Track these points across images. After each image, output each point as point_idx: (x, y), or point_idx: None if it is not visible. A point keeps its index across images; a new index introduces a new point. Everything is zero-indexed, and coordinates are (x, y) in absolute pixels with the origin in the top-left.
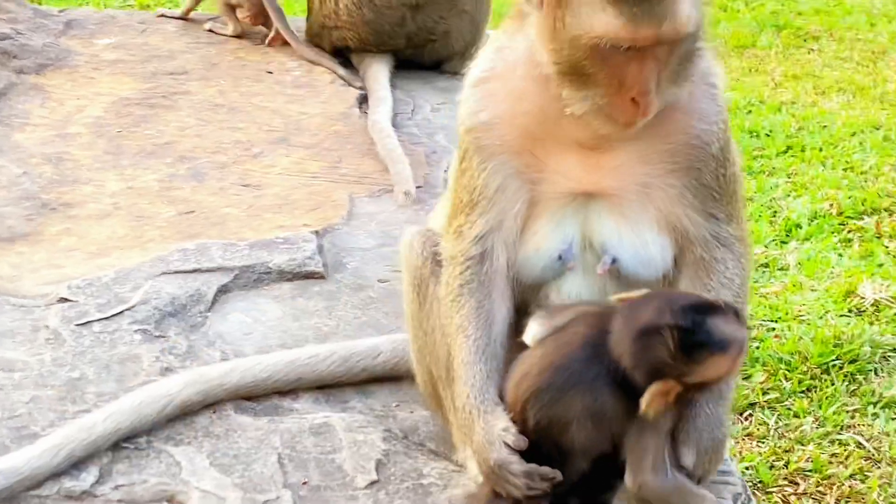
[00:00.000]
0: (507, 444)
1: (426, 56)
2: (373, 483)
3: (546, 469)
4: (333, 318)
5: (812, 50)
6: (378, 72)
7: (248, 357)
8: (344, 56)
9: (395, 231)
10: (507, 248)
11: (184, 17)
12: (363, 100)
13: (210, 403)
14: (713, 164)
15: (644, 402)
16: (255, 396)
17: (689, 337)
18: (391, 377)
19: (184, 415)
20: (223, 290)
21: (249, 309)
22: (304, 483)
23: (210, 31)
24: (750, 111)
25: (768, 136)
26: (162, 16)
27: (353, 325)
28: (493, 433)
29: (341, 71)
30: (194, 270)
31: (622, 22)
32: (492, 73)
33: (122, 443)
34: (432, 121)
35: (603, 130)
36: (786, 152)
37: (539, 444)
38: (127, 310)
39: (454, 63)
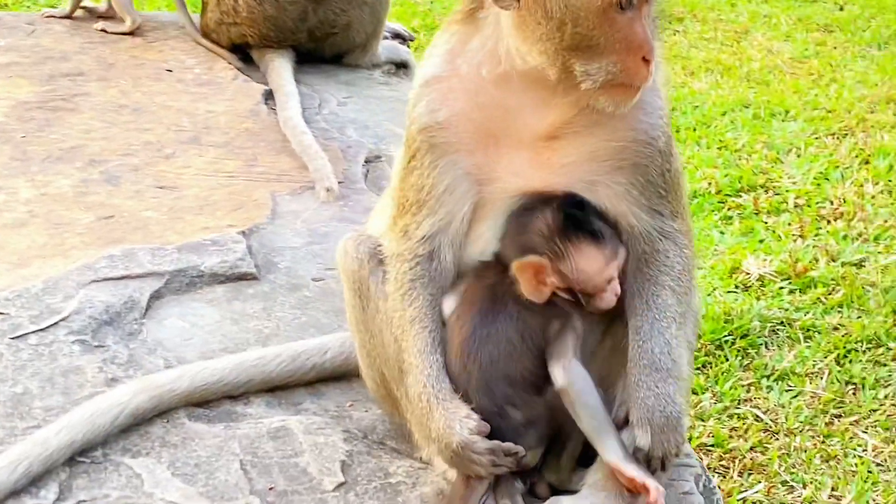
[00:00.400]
0: (468, 428)
1: (327, 49)
2: (340, 485)
3: (508, 444)
4: (272, 320)
5: (677, 31)
6: (281, 67)
7: (196, 362)
8: (242, 52)
9: (321, 228)
10: (453, 248)
11: (69, 16)
12: (268, 96)
13: (162, 411)
14: (659, 160)
15: (516, 279)
16: (206, 402)
17: (568, 213)
18: (340, 375)
19: (136, 425)
20: (156, 296)
21: (185, 314)
22: (271, 489)
23: (103, 30)
24: None
25: None
26: (50, 16)
27: (294, 326)
28: (454, 417)
29: (238, 64)
30: (124, 277)
31: None
32: (447, 72)
33: (78, 457)
34: (340, 115)
35: (612, 105)
36: None
37: (485, 409)
38: (62, 320)
39: (355, 55)
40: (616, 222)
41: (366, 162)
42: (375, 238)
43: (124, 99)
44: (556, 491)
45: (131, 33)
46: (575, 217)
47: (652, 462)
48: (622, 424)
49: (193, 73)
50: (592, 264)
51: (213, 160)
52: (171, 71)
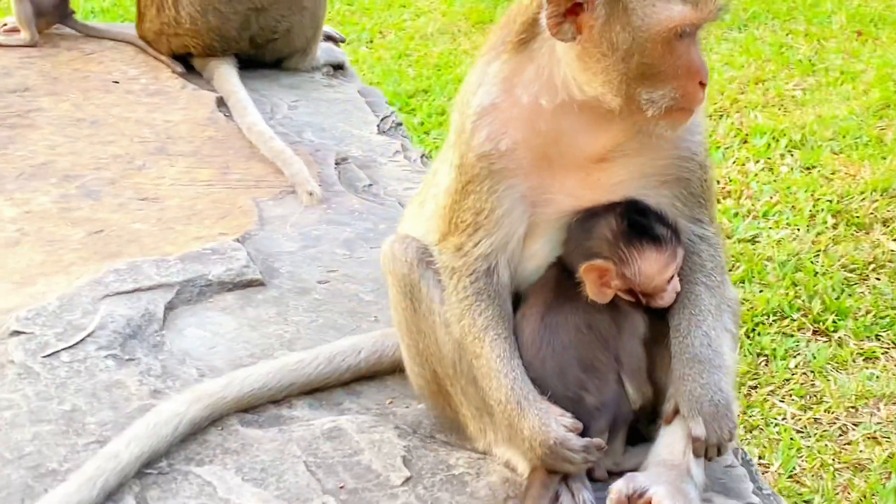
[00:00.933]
0: (564, 426)
1: (268, 55)
2: (408, 479)
3: (598, 440)
4: (290, 324)
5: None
6: (228, 74)
7: (242, 369)
8: (183, 61)
9: (312, 232)
10: (510, 266)
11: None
12: (220, 103)
13: (215, 419)
14: (699, 173)
15: (583, 281)
16: (253, 408)
17: (632, 220)
18: (373, 374)
19: (192, 434)
20: (169, 307)
21: (203, 323)
22: (342, 487)
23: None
24: None
25: None
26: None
27: (313, 329)
28: (549, 416)
29: (180, 69)
30: (135, 290)
31: (690, 6)
32: (505, 101)
33: (144, 469)
34: (294, 119)
35: (671, 129)
36: None
37: (559, 396)
38: (88, 336)
39: (295, 59)
40: (675, 223)
41: (336, 164)
42: (420, 241)
43: (79, 112)
44: (612, 473)
45: (33, 45)
46: (638, 223)
47: (708, 450)
48: (671, 418)
49: (140, 84)
50: (654, 267)
51: (186, 169)
52: (117, 82)
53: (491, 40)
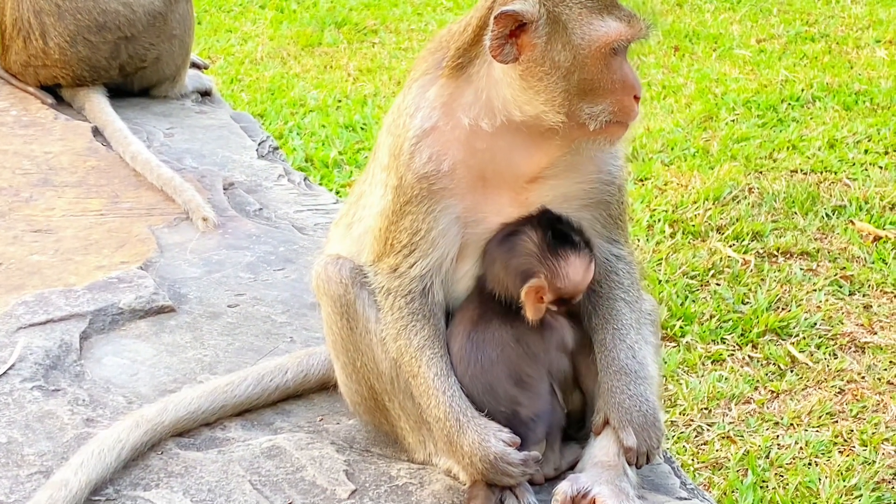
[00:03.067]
0: (503, 441)
1: (136, 83)
2: (353, 492)
3: (536, 453)
4: (208, 348)
5: (375, 43)
6: (101, 104)
7: (174, 394)
8: (52, 92)
9: (213, 257)
10: (444, 286)
11: None
12: (95, 132)
13: (154, 444)
14: (618, 196)
15: (523, 304)
16: (187, 431)
17: (551, 231)
18: (300, 394)
19: (133, 460)
20: (84, 337)
21: (120, 351)
22: (291, 503)
23: None
24: (338, 106)
25: (363, 129)
26: None
27: (231, 352)
28: (489, 432)
29: (50, 100)
30: (47, 321)
31: (624, 24)
32: (447, 124)
33: (92, 497)
34: (172, 146)
35: (608, 143)
36: None
37: (493, 411)
38: (10, 369)
39: (164, 87)
40: (580, 225)
41: (224, 189)
42: (353, 262)
43: None
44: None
45: None
46: (559, 232)
47: (639, 458)
48: (601, 429)
49: (12, 116)
50: (579, 272)
51: (75, 200)
52: None
53: (422, 66)
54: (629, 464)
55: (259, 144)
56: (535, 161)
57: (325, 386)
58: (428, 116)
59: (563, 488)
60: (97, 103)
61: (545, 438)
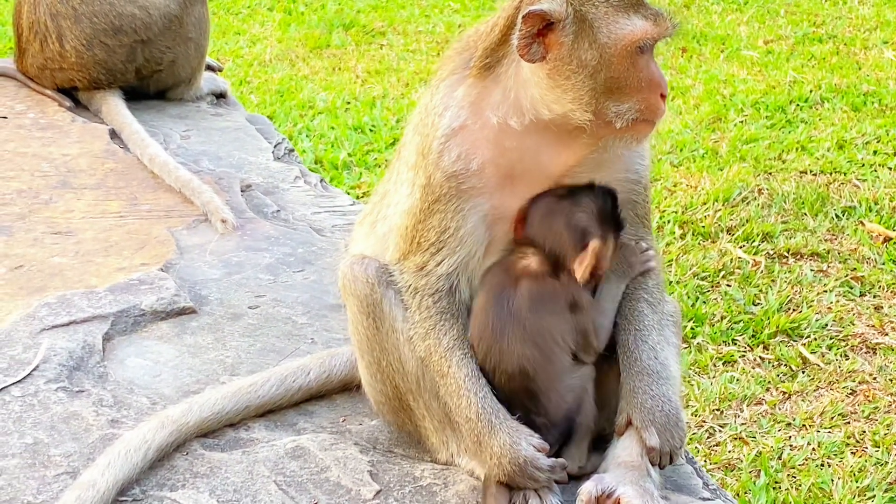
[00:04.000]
0: (534, 445)
1: (152, 86)
2: (378, 492)
3: (563, 460)
4: (229, 349)
5: (383, 45)
6: (118, 107)
7: (199, 394)
8: (69, 95)
9: (233, 259)
10: (470, 284)
11: None
12: (113, 135)
13: (178, 445)
14: (643, 195)
15: (579, 264)
16: (211, 432)
17: (608, 199)
18: (322, 394)
19: (159, 461)
20: (106, 338)
21: (142, 353)
22: (316, 503)
23: None
24: (347, 108)
25: (372, 131)
26: None
27: (253, 353)
28: (520, 435)
29: (68, 103)
30: (70, 323)
31: (650, 22)
32: (475, 122)
33: (118, 497)
34: (189, 148)
35: (635, 141)
36: (392, 145)
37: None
38: (34, 370)
39: (180, 90)
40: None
41: (242, 191)
42: (378, 261)
43: None
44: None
45: None
46: (615, 205)
47: (662, 458)
48: (624, 430)
49: (29, 118)
50: (616, 251)
51: (94, 202)
52: (6, 118)
53: (449, 66)
54: (652, 464)
55: (275, 147)
56: (563, 160)
57: (348, 387)
58: (457, 115)
59: (588, 488)
60: (114, 106)
61: (571, 436)
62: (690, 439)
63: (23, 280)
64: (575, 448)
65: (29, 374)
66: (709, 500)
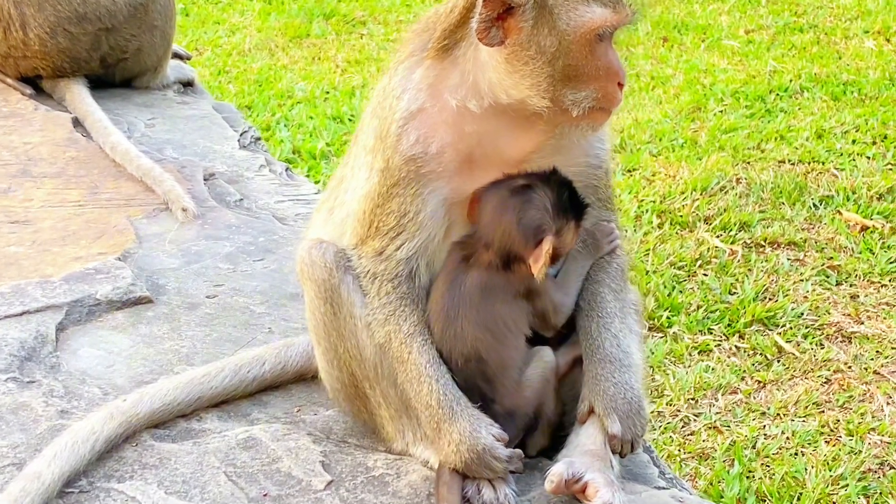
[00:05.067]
0: (493, 435)
1: (118, 74)
2: (329, 483)
3: (520, 451)
4: (185, 339)
5: (363, 35)
6: (81, 95)
7: (151, 385)
8: (33, 84)
9: (192, 248)
10: (429, 269)
11: None
12: (76, 123)
13: (128, 436)
14: (605, 179)
15: (534, 262)
16: (162, 423)
17: (567, 191)
18: (277, 385)
19: (108, 452)
20: (60, 328)
21: (96, 342)
22: (265, 495)
23: None
24: (326, 98)
25: (351, 120)
26: None
27: (209, 343)
28: (481, 424)
29: (29, 91)
30: (23, 313)
31: (610, 10)
32: (434, 105)
33: (65, 489)
34: (153, 136)
35: (591, 129)
36: None
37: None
38: None
39: (146, 78)
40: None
41: (205, 180)
42: (336, 246)
43: None
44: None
45: None
46: (571, 192)
47: (623, 446)
48: (586, 418)
49: None
50: (575, 236)
51: (54, 191)
52: None
53: (407, 48)
54: (613, 452)
55: (241, 135)
56: (521, 145)
57: (303, 377)
58: (415, 98)
59: (559, 470)
60: (77, 94)
61: (521, 434)
62: (664, 428)
63: None
64: (539, 436)
65: None
66: (664, 489)
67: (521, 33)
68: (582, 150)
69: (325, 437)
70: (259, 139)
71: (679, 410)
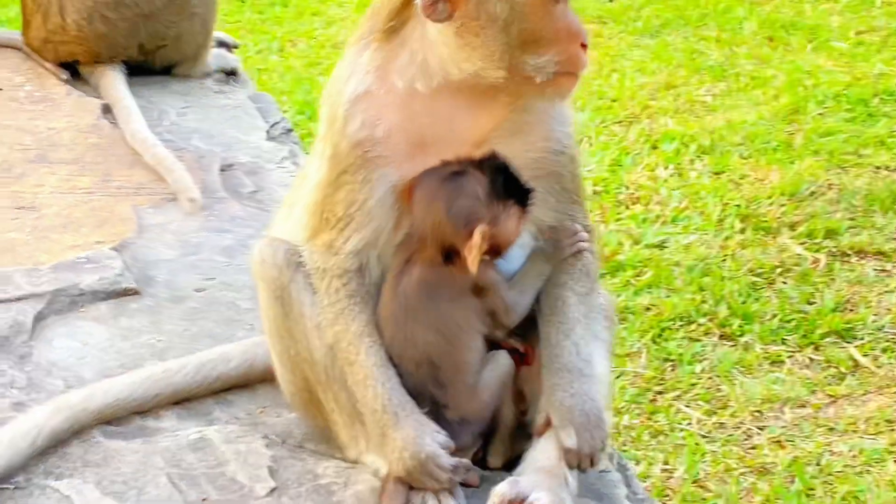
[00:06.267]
0: (438, 442)
1: (157, 62)
2: (273, 490)
3: (467, 461)
4: (163, 333)
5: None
6: (115, 81)
7: (105, 379)
8: (72, 69)
9: (192, 239)
10: (381, 262)
11: None
12: (106, 110)
13: (76, 431)
14: (570, 167)
15: (468, 253)
16: (118, 419)
17: (501, 176)
18: (244, 383)
19: (53, 447)
20: (39, 318)
21: (73, 333)
22: (204, 500)
23: None
24: None
25: None
26: None
27: (186, 338)
28: (425, 430)
29: (65, 76)
30: (3, 300)
31: None
32: (380, 88)
33: (0, 483)
34: (182, 125)
35: (559, 96)
36: None
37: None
38: None
39: (186, 66)
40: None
41: (221, 171)
42: (290, 243)
43: None
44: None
45: None
46: (507, 177)
47: (581, 461)
48: (543, 430)
49: (25, 91)
50: (518, 224)
51: (67, 177)
52: (1, 89)
53: (358, 32)
54: (570, 466)
55: (271, 126)
56: (479, 124)
57: (272, 377)
58: (361, 81)
59: (502, 490)
60: (112, 80)
61: (478, 444)
62: (725, 441)
63: None
64: (499, 444)
65: None
66: None
67: (469, 4)
68: (541, 132)
69: (280, 442)
70: (290, 131)
71: (742, 422)
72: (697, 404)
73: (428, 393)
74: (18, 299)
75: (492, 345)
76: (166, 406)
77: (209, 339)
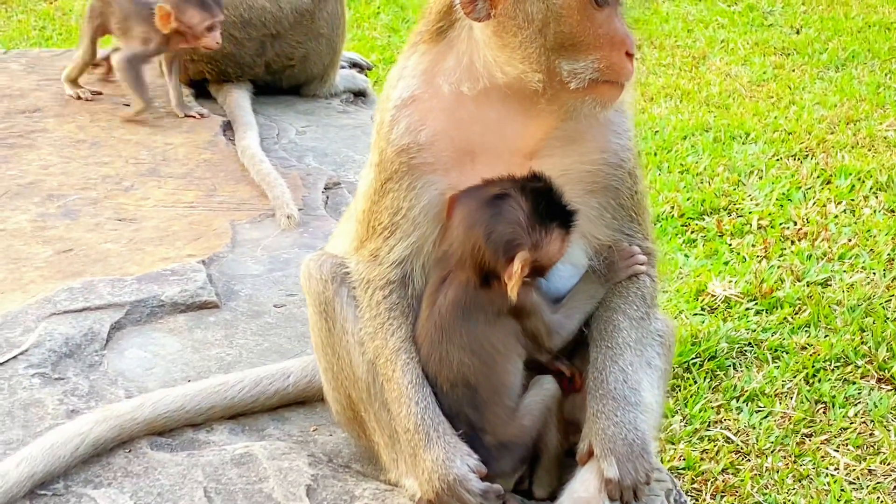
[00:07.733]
0: (468, 465)
1: (284, 81)
2: None
3: (498, 487)
4: (234, 347)
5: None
6: (239, 98)
7: (160, 390)
8: (201, 87)
9: (282, 255)
10: (424, 273)
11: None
12: (227, 127)
13: (124, 441)
14: (628, 182)
15: (508, 279)
16: (169, 430)
17: (543, 200)
18: (303, 400)
19: (98, 456)
20: (116, 327)
21: (146, 344)
22: None
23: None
24: None
25: None
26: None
27: (256, 353)
28: (456, 453)
29: (187, 93)
30: (84, 309)
31: None
32: (426, 92)
33: (38, 489)
34: (299, 143)
35: (600, 105)
36: None
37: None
38: (21, 354)
39: (313, 86)
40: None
41: (325, 188)
42: (338, 257)
43: (82, 134)
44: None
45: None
46: (550, 201)
47: (623, 493)
48: (586, 459)
49: (151, 107)
50: (563, 247)
51: (172, 191)
52: (128, 105)
53: (412, 36)
54: (611, 499)
55: None
56: (528, 132)
57: None
58: (408, 86)
59: None
60: (236, 97)
61: (519, 470)
62: (873, 488)
63: (64, 263)
64: (543, 473)
65: (13, 358)
66: None
67: (507, 2)
68: (597, 144)
69: (326, 461)
70: None
71: (894, 470)
72: (847, 449)
73: (464, 415)
74: (98, 308)
75: (539, 368)
76: (220, 420)
77: (278, 355)
